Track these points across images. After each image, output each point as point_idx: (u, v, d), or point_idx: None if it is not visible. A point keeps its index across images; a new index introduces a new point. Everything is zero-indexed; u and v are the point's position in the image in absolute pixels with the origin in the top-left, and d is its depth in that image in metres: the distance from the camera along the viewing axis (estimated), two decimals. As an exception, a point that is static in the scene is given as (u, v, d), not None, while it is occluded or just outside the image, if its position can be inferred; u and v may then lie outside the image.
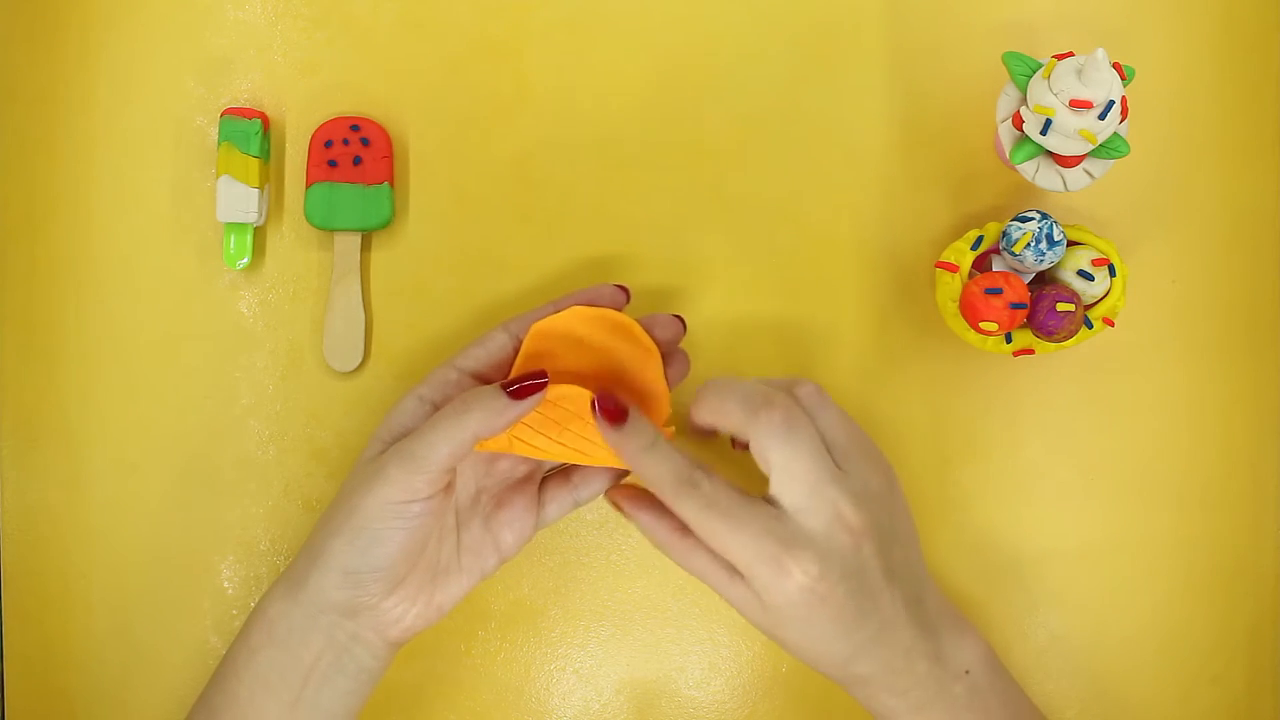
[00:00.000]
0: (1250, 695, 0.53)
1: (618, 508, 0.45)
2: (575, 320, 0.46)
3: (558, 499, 0.47)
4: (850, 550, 0.41)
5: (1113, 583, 0.52)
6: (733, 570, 0.42)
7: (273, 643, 0.43)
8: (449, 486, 0.44)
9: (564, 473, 0.48)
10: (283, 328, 0.52)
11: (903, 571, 0.43)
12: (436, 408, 0.44)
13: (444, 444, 0.41)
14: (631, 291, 0.48)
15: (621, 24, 0.53)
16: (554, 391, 0.44)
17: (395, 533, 0.42)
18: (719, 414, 0.43)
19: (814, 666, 0.43)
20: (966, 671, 0.44)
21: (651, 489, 0.43)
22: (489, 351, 0.46)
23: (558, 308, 0.46)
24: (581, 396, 0.44)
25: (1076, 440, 0.53)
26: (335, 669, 0.43)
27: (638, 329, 0.46)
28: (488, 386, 0.43)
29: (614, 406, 0.43)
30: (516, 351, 0.46)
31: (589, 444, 0.44)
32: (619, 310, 0.46)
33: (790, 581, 0.40)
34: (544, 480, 0.48)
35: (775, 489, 0.42)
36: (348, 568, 0.42)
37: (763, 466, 0.42)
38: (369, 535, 0.42)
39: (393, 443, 0.43)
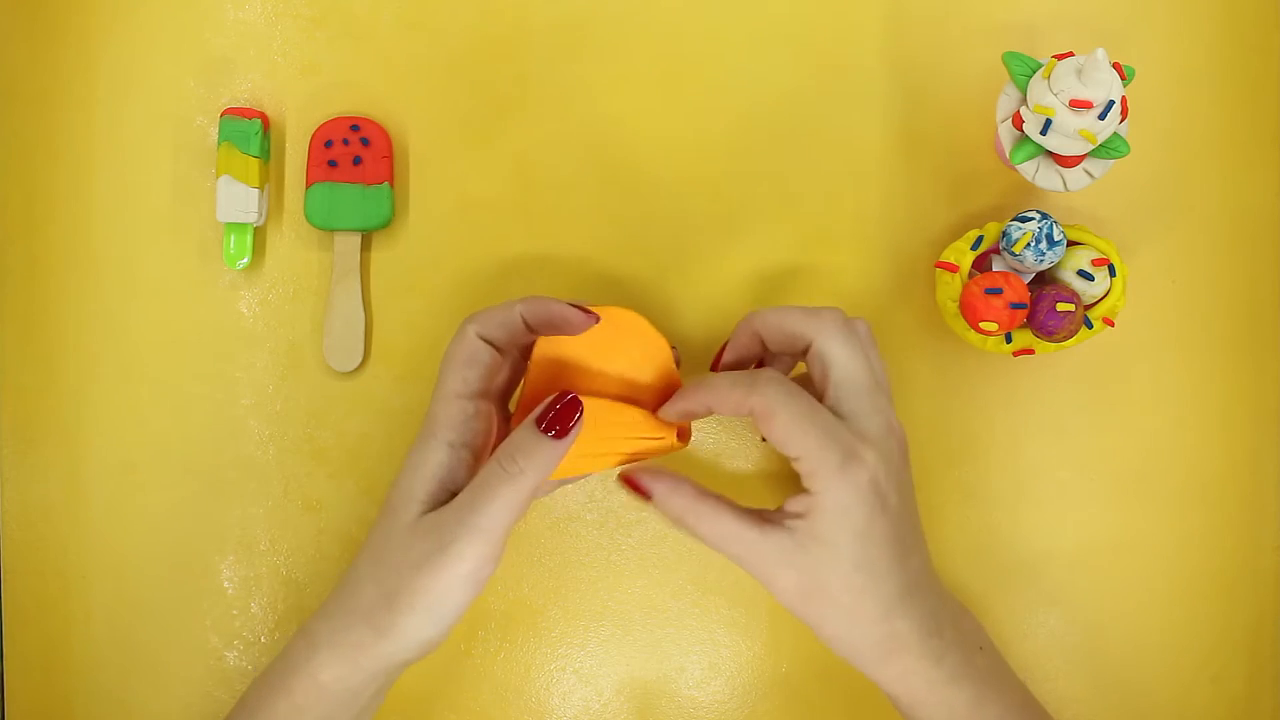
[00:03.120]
0: (1250, 695, 0.53)
1: (631, 486, 0.44)
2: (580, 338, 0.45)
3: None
4: (899, 461, 0.42)
5: (1113, 583, 0.52)
6: (764, 522, 0.41)
7: (324, 701, 0.43)
8: None
9: None
10: (283, 328, 0.52)
11: (919, 523, 0.43)
12: (469, 449, 0.43)
13: (508, 511, 0.41)
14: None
15: (622, 24, 0.53)
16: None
17: (468, 596, 0.42)
18: (777, 320, 0.44)
19: (851, 632, 0.42)
20: (980, 647, 0.44)
21: (728, 400, 0.42)
22: (505, 321, 0.44)
23: (572, 306, 0.45)
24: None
25: (1076, 440, 0.53)
26: (375, 700, 0.44)
27: (644, 323, 0.45)
28: (526, 431, 0.42)
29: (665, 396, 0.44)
30: (525, 326, 0.44)
31: (618, 437, 0.44)
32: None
33: (864, 472, 0.40)
34: None
35: (838, 381, 0.42)
36: (426, 638, 0.42)
37: (817, 370, 0.43)
38: (445, 608, 0.41)
39: (426, 500, 0.42)
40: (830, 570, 0.41)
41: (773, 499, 0.44)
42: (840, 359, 0.42)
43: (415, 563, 0.41)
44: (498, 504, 0.41)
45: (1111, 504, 0.53)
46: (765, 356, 0.47)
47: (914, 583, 0.41)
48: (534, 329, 0.44)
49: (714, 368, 0.47)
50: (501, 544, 0.42)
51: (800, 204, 0.53)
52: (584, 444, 0.43)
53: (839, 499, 0.40)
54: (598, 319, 0.44)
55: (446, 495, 0.43)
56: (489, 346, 0.44)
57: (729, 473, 0.52)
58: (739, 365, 0.47)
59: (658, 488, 0.43)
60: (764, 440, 0.47)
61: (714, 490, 0.44)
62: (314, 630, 0.43)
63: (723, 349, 0.47)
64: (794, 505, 0.41)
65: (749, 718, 0.52)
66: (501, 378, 0.46)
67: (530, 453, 0.41)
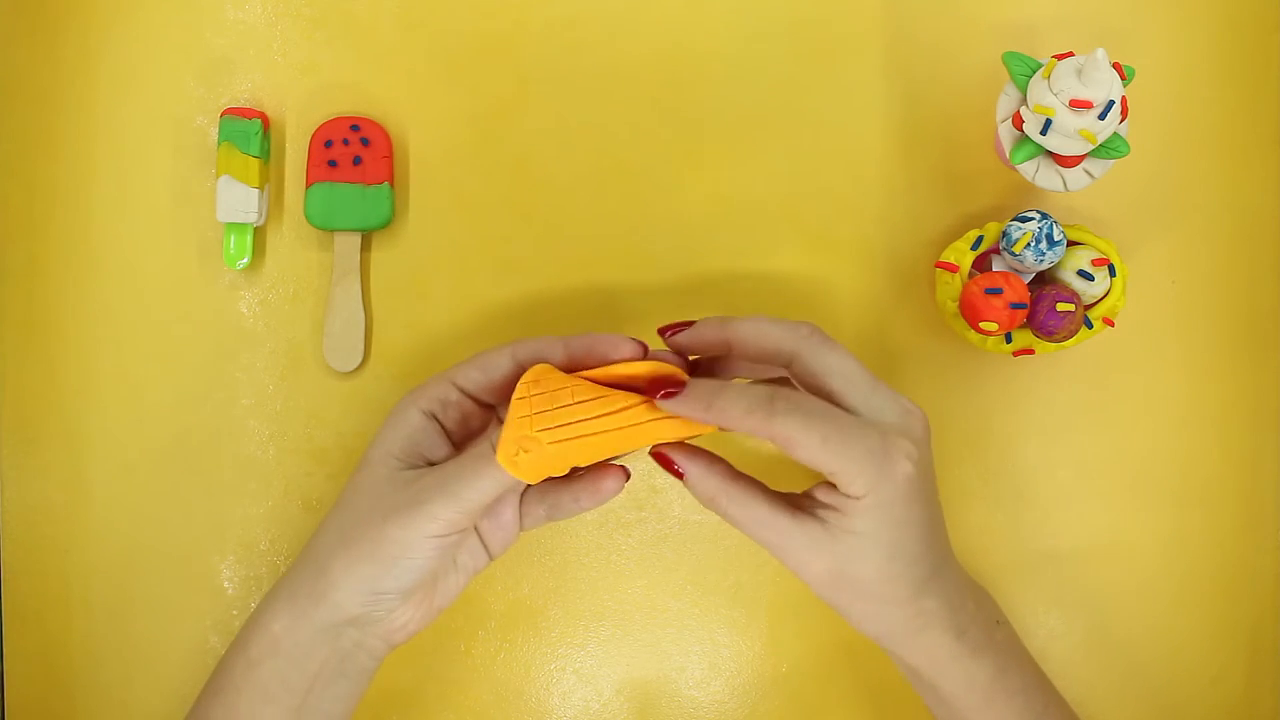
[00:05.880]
0: (1250, 695, 0.53)
1: (665, 462, 0.43)
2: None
3: (532, 513, 0.46)
4: (924, 441, 0.41)
5: (1112, 583, 0.52)
6: (795, 509, 0.41)
7: (277, 655, 0.42)
8: None
9: (539, 488, 0.46)
10: (283, 328, 0.52)
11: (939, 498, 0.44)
12: (439, 423, 0.44)
13: (492, 489, 0.41)
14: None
15: (622, 23, 0.53)
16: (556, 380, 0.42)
17: (429, 560, 0.42)
18: (755, 336, 0.43)
19: (880, 613, 0.42)
20: (998, 621, 0.44)
21: (741, 426, 0.41)
22: (488, 375, 0.44)
23: (568, 345, 0.43)
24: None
25: (1076, 440, 0.53)
26: (338, 674, 0.43)
27: (675, 372, 0.43)
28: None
29: (669, 382, 0.42)
30: (516, 375, 0.43)
31: (623, 411, 0.41)
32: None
33: (899, 470, 0.40)
34: (523, 493, 0.47)
35: (841, 388, 0.41)
36: (377, 590, 0.42)
37: (810, 382, 0.42)
38: (404, 564, 0.42)
39: (404, 458, 0.43)
40: (863, 560, 0.40)
41: (800, 478, 0.43)
42: (834, 365, 0.42)
43: (385, 512, 0.42)
44: (483, 481, 0.41)
45: (1111, 504, 0.53)
46: (727, 356, 0.45)
47: (942, 560, 0.42)
48: (575, 362, 0.44)
49: (662, 334, 0.45)
50: (472, 521, 0.42)
51: (800, 204, 0.53)
52: (586, 400, 0.41)
53: (880, 497, 0.40)
54: (645, 347, 0.44)
55: (420, 460, 0.44)
56: (510, 364, 0.44)
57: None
58: (694, 353, 0.45)
59: (692, 468, 0.43)
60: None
61: (746, 473, 0.43)
62: (277, 583, 0.44)
63: (676, 326, 0.45)
64: (826, 496, 0.41)
65: (749, 718, 0.52)
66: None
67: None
